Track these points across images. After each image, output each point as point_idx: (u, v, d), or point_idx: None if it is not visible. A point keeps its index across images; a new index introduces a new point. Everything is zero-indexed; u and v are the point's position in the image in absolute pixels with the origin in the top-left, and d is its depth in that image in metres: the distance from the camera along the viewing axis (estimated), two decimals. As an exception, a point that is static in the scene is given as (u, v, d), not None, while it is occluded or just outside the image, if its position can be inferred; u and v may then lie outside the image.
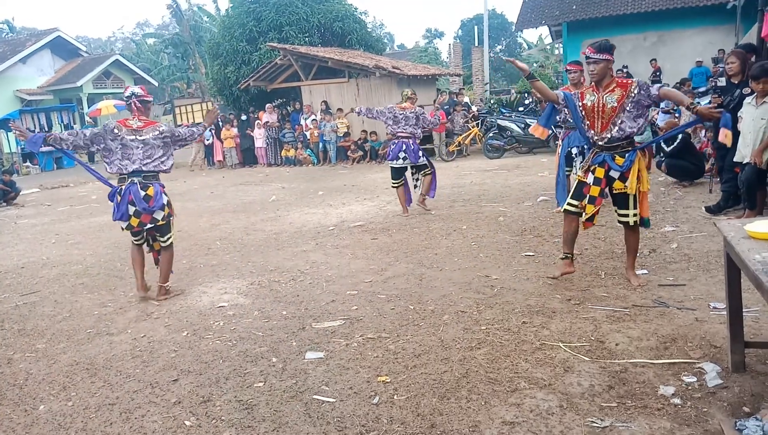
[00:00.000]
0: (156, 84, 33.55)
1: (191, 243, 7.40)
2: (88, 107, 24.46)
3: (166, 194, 5.04)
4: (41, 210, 12.19)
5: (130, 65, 29.53)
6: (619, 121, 4.26)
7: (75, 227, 9.41)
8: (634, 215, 4.35)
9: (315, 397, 3.17)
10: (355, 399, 3.11)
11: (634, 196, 4.34)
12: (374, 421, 2.89)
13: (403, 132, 7.74)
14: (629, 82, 4.28)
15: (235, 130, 17.42)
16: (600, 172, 4.37)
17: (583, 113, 4.42)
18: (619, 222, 4.49)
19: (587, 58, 4.32)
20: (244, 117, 17.79)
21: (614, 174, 4.34)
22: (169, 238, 5.16)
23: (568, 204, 4.53)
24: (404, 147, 7.69)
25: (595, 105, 4.32)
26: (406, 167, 7.87)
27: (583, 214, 4.45)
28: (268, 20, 17.61)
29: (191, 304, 4.96)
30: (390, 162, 7.89)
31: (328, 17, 18.35)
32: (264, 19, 17.65)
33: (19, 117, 20.33)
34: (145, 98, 5.06)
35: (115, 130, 4.90)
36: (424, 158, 7.82)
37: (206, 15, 35.95)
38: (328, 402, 3.11)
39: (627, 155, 4.29)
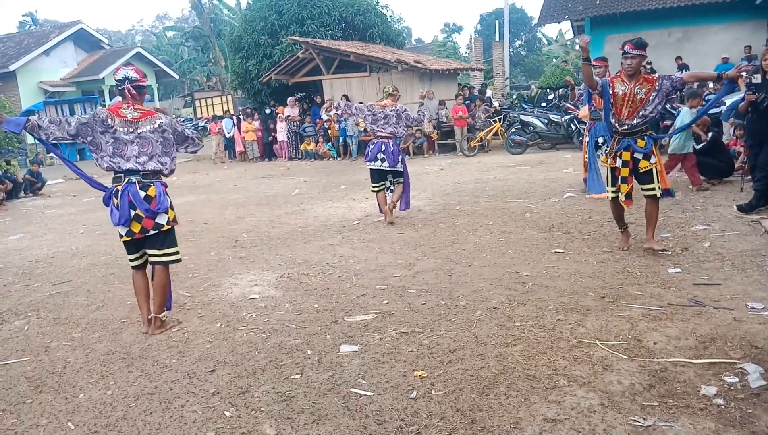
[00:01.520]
0: (177, 77, 33.83)
1: (218, 235, 7.46)
2: (110, 99, 24.70)
3: (168, 195, 4.25)
4: (67, 200, 12.35)
5: (152, 58, 29.73)
6: (643, 111, 4.89)
7: (101, 218, 9.48)
8: (659, 188, 5.04)
9: (352, 390, 3.18)
10: (392, 393, 3.12)
11: (656, 171, 4.99)
12: (413, 415, 2.90)
13: (382, 131, 7.17)
14: (654, 78, 4.89)
15: (256, 124, 17.49)
16: (626, 156, 5.00)
17: (613, 101, 4.95)
18: (646, 196, 5.09)
19: (625, 53, 4.83)
20: (268, 110, 17.84)
21: (638, 155, 4.97)
22: (175, 252, 4.29)
23: (611, 192, 5.17)
24: (383, 147, 7.12)
25: (626, 94, 4.88)
26: (387, 171, 7.27)
27: (620, 194, 5.08)
28: (289, 14, 17.65)
29: (223, 296, 5.00)
30: (367, 163, 7.36)
31: (349, 11, 18.35)
32: (286, 13, 17.69)
33: (43, 108, 20.58)
34: (141, 83, 4.16)
35: (108, 121, 4.06)
36: (402, 164, 7.25)
37: (226, 8, 36.16)
38: (366, 395, 3.11)
39: (646, 138, 4.96)
